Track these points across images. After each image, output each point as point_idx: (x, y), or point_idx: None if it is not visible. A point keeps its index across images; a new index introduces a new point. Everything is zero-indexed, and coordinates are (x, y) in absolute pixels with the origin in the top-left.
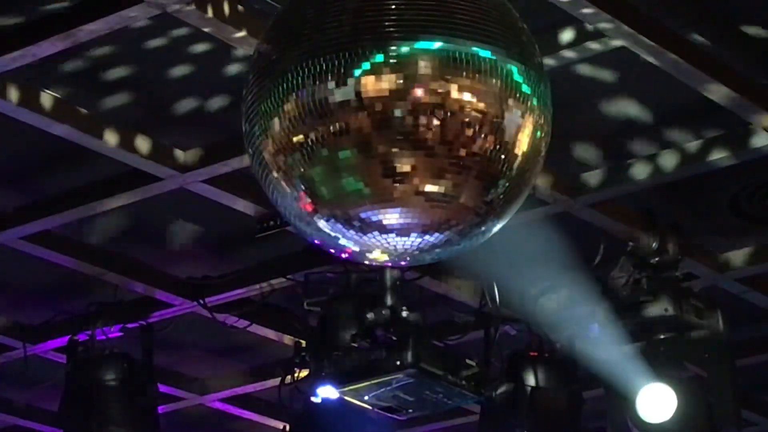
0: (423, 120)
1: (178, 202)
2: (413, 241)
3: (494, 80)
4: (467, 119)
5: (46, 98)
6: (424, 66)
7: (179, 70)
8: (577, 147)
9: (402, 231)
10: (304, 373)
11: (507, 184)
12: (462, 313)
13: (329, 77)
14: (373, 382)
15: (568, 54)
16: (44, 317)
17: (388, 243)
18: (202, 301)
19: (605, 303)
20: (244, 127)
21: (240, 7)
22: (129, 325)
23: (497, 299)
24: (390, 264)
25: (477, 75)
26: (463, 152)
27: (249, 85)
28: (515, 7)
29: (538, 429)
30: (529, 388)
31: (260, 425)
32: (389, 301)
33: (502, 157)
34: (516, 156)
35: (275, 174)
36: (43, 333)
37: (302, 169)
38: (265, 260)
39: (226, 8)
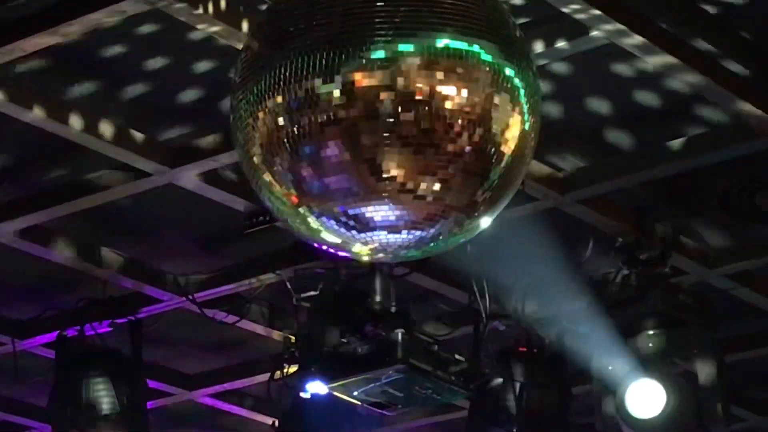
0: (410, 116)
1: (167, 197)
2: (401, 237)
3: (482, 76)
4: (455, 115)
5: (36, 94)
6: (411, 62)
7: (169, 66)
8: (567, 142)
9: (390, 227)
10: (294, 368)
11: (495, 180)
12: (449, 308)
13: (317, 73)
14: (362, 377)
15: (557, 49)
16: (33, 312)
17: (376, 239)
18: (191, 297)
19: (594, 299)
20: (232, 122)
21: (229, 3)
22: (118, 321)
23: (486, 295)
24: (378, 260)
25: (465, 70)
26: (451, 148)
27: (238, 80)
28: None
29: (527, 425)
30: (518, 384)
31: (249, 421)
32: (378, 296)
33: (491, 152)
34: (504, 151)
35: (263, 169)
36: (32, 328)
37: (289, 164)
38: (254, 256)
39: (216, 4)
